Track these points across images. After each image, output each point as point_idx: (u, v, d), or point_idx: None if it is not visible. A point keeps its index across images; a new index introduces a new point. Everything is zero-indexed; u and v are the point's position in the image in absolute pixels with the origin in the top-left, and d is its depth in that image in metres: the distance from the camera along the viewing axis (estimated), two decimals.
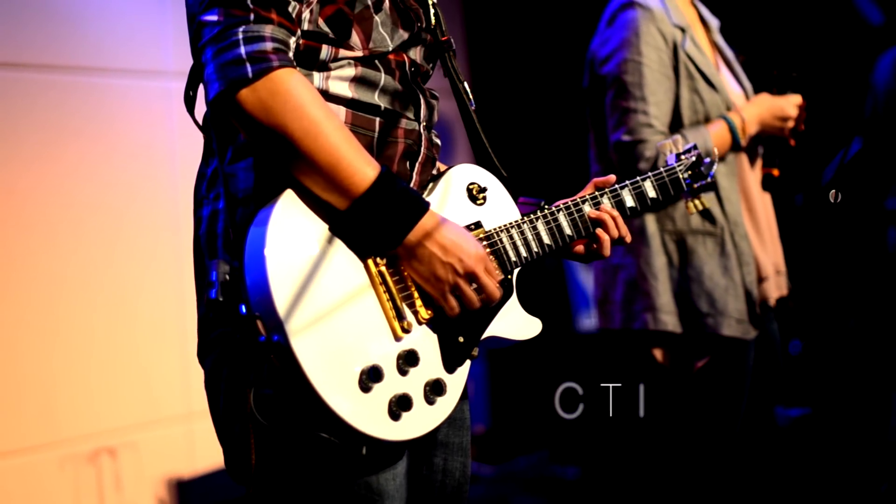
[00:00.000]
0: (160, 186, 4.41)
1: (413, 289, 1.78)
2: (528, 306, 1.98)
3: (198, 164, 1.95)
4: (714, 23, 3.23)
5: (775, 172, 3.08)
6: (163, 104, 4.43)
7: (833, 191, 2.49)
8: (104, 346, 4.17)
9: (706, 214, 2.93)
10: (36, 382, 3.98)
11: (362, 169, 1.70)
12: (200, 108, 1.86)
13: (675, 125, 2.94)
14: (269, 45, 1.66)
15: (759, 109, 3.03)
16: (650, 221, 2.96)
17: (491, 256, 1.90)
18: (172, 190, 4.40)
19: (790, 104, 3.05)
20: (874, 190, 3.93)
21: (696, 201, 2.30)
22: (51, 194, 4.06)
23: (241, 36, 1.65)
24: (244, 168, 1.79)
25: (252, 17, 1.67)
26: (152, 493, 4.28)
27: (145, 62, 4.40)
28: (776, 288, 3.08)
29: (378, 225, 1.72)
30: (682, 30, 2.97)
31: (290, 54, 1.71)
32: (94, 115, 4.22)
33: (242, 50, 1.64)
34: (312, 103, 1.68)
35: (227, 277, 1.64)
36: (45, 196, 4.04)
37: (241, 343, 1.58)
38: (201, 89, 1.82)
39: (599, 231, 2.05)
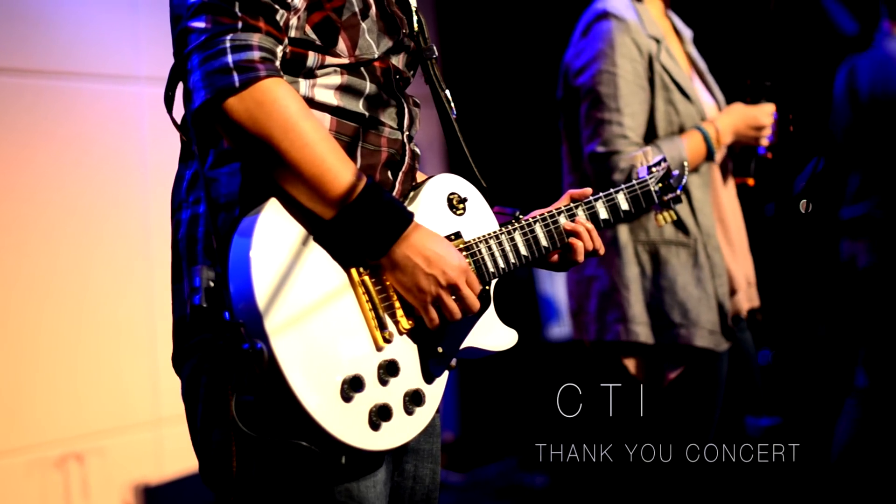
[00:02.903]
0: (131, 191, 4.38)
1: (395, 298, 1.79)
2: (500, 316, 1.99)
3: (169, 170, 1.94)
4: (687, 34, 3.23)
5: (750, 182, 3.09)
6: (134, 109, 4.41)
7: (804, 201, 2.51)
8: (72, 350, 4.14)
9: (679, 225, 2.93)
10: (2, 387, 3.94)
11: (348, 179, 1.70)
12: (178, 108, 1.84)
13: (650, 136, 2.93)
14: (256, 55, 1.66)
15: (733, 119, 3.03)
16: (623, 232, 2.95)
17: (471, 267, 1.91)
18: (143, 195, 4.38)
19: (764, 113, 3.06)
20: (833, 200, 3.96)
21: (665, 213, 2.30)
22: (20, 198, 4.03)
23: (228, 44, 1.65)
24: (227, 173, 1.79)
25: (240, 25, 1.67)
26: (120, 499, 4.25)
27: (117, 67, 4.38)
28: (747, 300, 3.09)
29: (363, 235, 1.72)
30: (657, 41, 2.96)
31: (277, 63, 1.71)
32: (65, 120, 4.19)
33: (230, 58, 1.64)
34: (298, 114, 1.68)
35: (212, 284, 1.64)
36: (14, 200, 4.01)
37: (224, 350, 1.58)
38: (179, 89, 1.81)
39: (574, 241, 2.06)
